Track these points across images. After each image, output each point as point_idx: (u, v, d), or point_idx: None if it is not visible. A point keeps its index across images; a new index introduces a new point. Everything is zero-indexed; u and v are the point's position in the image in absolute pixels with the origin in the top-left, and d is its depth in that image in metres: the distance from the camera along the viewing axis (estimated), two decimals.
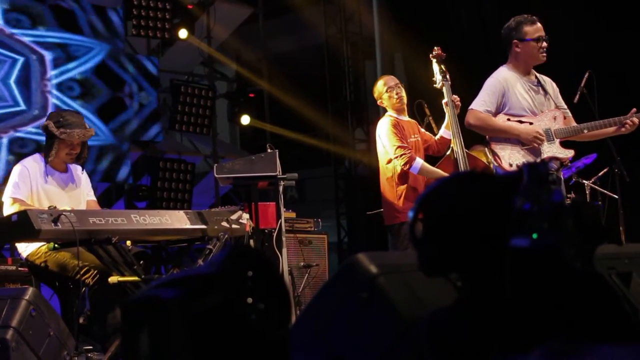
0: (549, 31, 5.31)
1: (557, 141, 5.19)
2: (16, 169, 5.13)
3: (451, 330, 1.76)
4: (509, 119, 5.20)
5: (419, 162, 5.74)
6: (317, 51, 12.28)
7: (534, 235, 1.69)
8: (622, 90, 8.08)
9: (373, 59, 12.20)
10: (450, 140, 5.90)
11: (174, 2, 9.86)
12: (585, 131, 5.22)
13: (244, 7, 11.41)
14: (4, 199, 5.11)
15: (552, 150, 5.16)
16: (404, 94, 6.00)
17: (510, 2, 9.80)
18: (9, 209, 4.95)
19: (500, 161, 5.17)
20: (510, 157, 5.15)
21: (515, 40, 5.26)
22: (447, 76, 6.00)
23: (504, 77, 5.27)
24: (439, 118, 6.09)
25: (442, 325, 1.78)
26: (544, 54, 5.26)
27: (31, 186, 5.05)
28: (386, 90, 5.99)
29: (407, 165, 5.73)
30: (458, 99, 5.91)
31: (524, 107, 5.23)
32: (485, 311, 1.71)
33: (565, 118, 5.32)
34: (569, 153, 5.22)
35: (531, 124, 5.17)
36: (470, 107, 5.24)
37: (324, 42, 12.21)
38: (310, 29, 12.35)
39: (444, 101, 5.93)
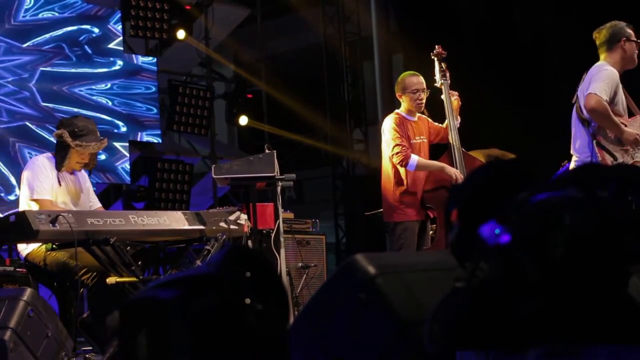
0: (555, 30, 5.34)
1: None
2: (31, 169, 5.05)
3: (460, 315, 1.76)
4: None
5: (415, 158, 5.75)
6: (315, 52, 12.28)
7: (497, 231, 1.71)
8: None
9: (371, 60, 12.21)
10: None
11: (172, 3, 9.85)
12: None
13: (241, 8, 11.41)
14: (24, 198, 5.04)
15: (638, 156, 5.17)
16: (425, 100, 5.98)
17: (508, 2, 9.83)
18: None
19: (606, 158, 5.08)
20: (615, 155, 5.12)
21: (624, 38, 5.28)
22: (447, 75, 6.03)
23: (615, 72, 5.22)
24: (440, 117, 6.10)
25: (454, 309, 1.77)
26: (637, 59, 5.33)
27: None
28: (412, 91, 5.94)
29: (403, 163, 5.75)
30: (456, 93, 5.93)
31: (624, 107, 5.24)
32: (495, 298, 1.71)
33: None
34: None
35: (625, 126, 5.18)
36: (592, 91, 5.08)
37: (322, 42, 12.21)
38: (308, 29, 12.35)
39: (445, 123, 5.97)
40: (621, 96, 5.23)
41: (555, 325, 1.64)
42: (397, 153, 5.77)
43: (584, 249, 1.65)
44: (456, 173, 5.75)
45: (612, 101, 5.15)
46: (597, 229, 1.65)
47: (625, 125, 5.18)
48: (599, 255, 1.65)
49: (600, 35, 5.37)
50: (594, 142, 5.12)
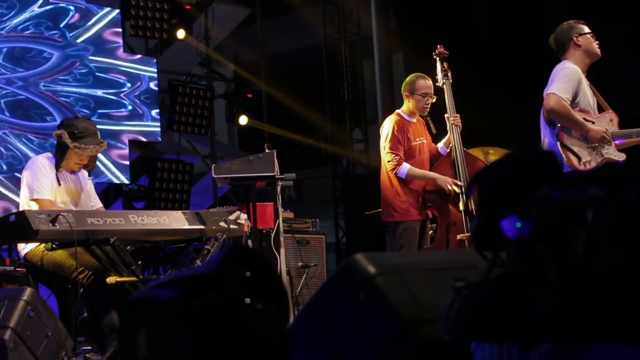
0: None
1: (613, 143, 5.18)
2: (31, 169, 5.05)
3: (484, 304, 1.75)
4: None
5: (406, 167, 5.76)
6: (315, 51, 12.28)
7: (517, 224, 1.71)
8: (619, 91, 8.09)
9: (371, 59, 12.21)
10: (442, 155, 5.95)
11: (171, 3, 9.86)
12: (634, 137, 5.22)
13: (241, 8, 11.41)
14: (24, 198, 5.03)
15: (609, 152, 5.14)
16: (430, 105, 5.98)
17: (509, 2, 9.84)
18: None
19: (571, 158, 5.06)
20: (580, 154, 5.10)
21: (576, 35, 5.26)
22: (449, 74, 6.02)
23: (576, 68, 5.19)
24: (439, 117, 6.10)
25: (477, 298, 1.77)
26: (599, 48, 5.30)
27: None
28: (421, 94, 5.93)
29: (394, 171, 5.77)
30: (459, 119, 5.92)
31: (590, 104, 5.19)
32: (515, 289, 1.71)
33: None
34: (623, 156, 5.19)
35: (593, 123, 5.15)
36: (551, 91, 5.06)
37: (322, 42, 12.21)
38: (308, 29, 12.35)
39: (446, 115, 5.95)
40: (585, 93, 5.19)
41: (571, 322, 1.63)
42: (389, 161, 5.82)
43: (605, 247, 1.64)
44: (448, 184, 5.75)
45: (575, 99, 5.12)
46: (618, 228, 1.65)
47: (593, 122, 5.15)
48: (619, 254, 1.64)
49: (552, 42, 5.37)
50: (558, 142, 5.10)
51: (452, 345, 1.78)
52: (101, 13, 9.37)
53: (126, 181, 9.51)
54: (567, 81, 5.09)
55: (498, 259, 1.76)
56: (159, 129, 9.85)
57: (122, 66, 9.55)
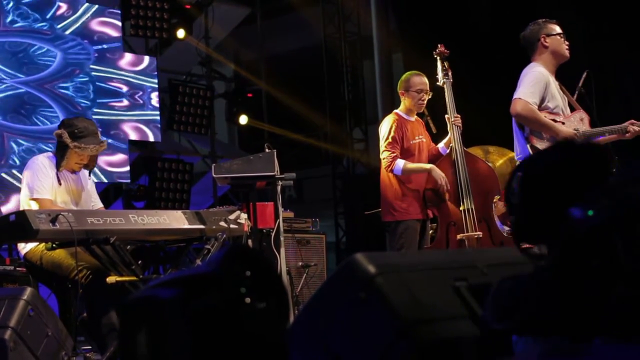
0: None
1: None
2: (31, 168, 5.05)
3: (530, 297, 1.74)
4: (544, 116, 5.13)
5: (401, 162, 5.76)
6: (315, 51, 12.28)
7: (590, 212, 1.70)
8: (619, 90, 8.09)
9: (371, 59, 12.21)
10: (442, 155, 5.94)
11: (172, 2, 9.85)
12: (607, 135, 5.21)
13: (242, 7, 11.41)
14: (24, 198, 5.03)
15: None
16: (426, 101, 5.98)
17: (510, 3, 9.84)
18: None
19: None
20: None
21: (544, 35, 5.23)
22: (449, 74, 6.02)
23: (543, 71, 5.17)
24: (439, 117, 6.09)
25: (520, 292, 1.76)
26: (568, 50, 5.27)
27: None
28: (416, 90, 5.94)
29: (389, 169, 5.77)
30: (459, 119, 5.91)
31: (559, 106, 5.18)
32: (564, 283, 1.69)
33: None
34: None
35: (563, 124, 5.14)
36: (517, 96, 5.06)
37: (322, 42, 12.21)
38: (308, 28, 12.35)
39: (446, 116, 5.94)
40: (554, 94, 5.17)
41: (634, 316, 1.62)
42: (383, 158, 5.84)
43: None
44: (442, 178, 5.74)
45: (543, 102, 5.11)
46: None
47: (563, 123, 5.14)
48: None
49: (522, 41, 5.35)
50: (528, 145, 5.10)
51: (495, 338, 1.77)
52: (87, 4, 9.35)
53: (126, 181, 9.52)
54: (533, 85, 5.09)
55: (564, 250, 1.74)
56: (158, 117, 9.82)
57: (123, 75, 9.54)
